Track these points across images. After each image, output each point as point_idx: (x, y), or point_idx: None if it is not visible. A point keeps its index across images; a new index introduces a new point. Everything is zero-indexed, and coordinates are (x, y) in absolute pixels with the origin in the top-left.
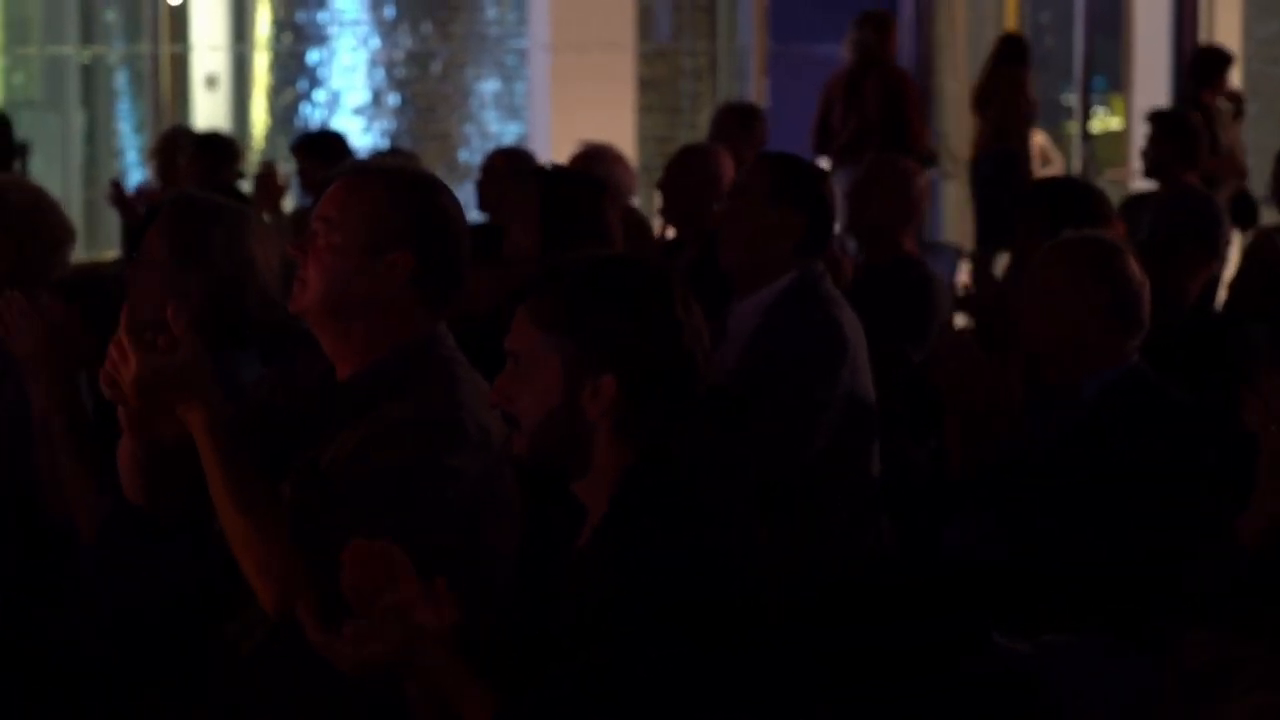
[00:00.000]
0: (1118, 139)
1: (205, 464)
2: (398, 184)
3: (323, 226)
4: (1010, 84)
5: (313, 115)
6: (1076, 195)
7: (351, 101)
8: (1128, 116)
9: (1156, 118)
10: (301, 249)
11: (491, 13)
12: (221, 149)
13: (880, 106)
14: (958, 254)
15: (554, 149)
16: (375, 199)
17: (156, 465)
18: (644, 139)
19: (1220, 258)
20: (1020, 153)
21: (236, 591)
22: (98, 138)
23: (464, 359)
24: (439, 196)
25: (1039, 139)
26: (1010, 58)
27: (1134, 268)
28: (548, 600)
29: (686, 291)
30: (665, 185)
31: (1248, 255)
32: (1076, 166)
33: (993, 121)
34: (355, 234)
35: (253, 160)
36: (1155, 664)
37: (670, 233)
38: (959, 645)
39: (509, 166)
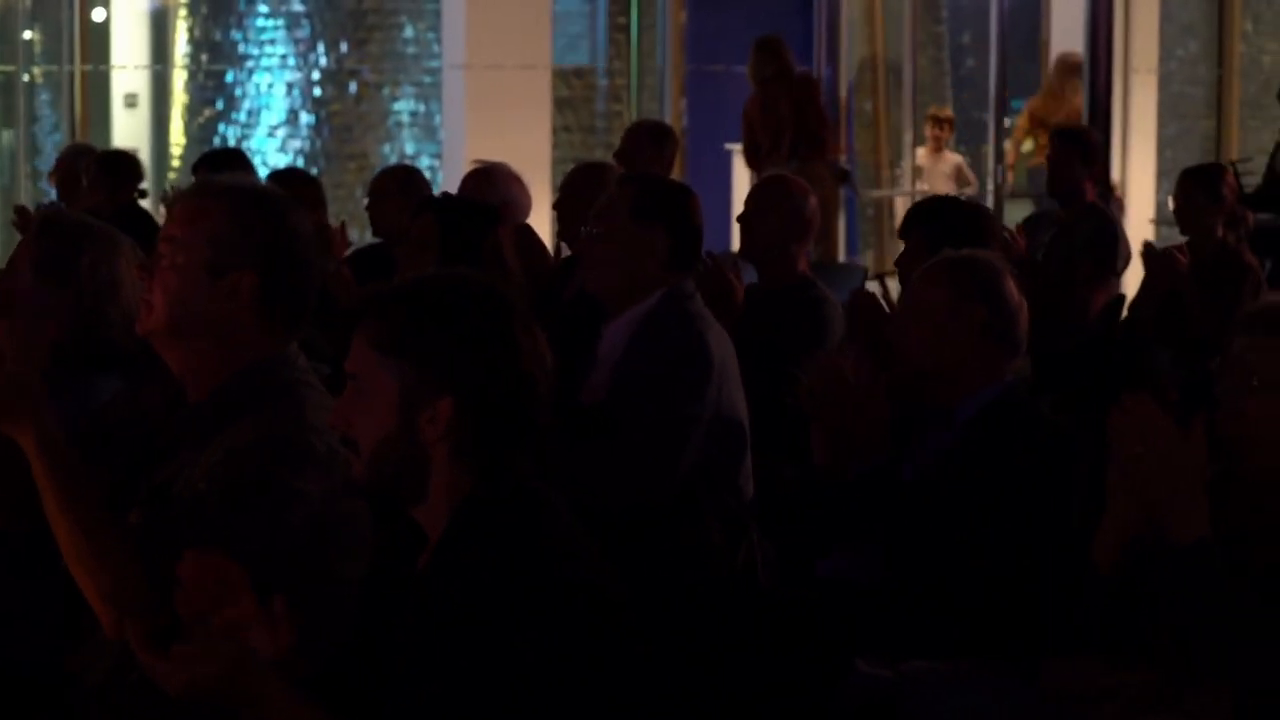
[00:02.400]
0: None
1: (40, 487)
2: (242, 203)
3: (168, 247)
4: None
5: (230, 134)
6: (958, 214)
7: (268, 120)
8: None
9: (1058, 135)
10: (148, 270)
11: (409, 32)
12: (123, 168)
13: (790, 112)
14: (864, 274)
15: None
16: (219, 218)
17: None
18: (560, 160)
19: (1118, 276)
20: None
21: (83, 622)
22: (19, 158)
23: (315, 380)
24: (286, 215)
25: (955, 160)
26: None
27: (1012, 287)
28: (388, 625)
29: (528, 312)
30: (561, 204)
31: (1148, 276)
32: (990, 187)
33: None
34: (198, 253)
35: (171, 179)
36: (1021, 690)
37: (566, 251)
38: (822, 671)
39: (399, 188)
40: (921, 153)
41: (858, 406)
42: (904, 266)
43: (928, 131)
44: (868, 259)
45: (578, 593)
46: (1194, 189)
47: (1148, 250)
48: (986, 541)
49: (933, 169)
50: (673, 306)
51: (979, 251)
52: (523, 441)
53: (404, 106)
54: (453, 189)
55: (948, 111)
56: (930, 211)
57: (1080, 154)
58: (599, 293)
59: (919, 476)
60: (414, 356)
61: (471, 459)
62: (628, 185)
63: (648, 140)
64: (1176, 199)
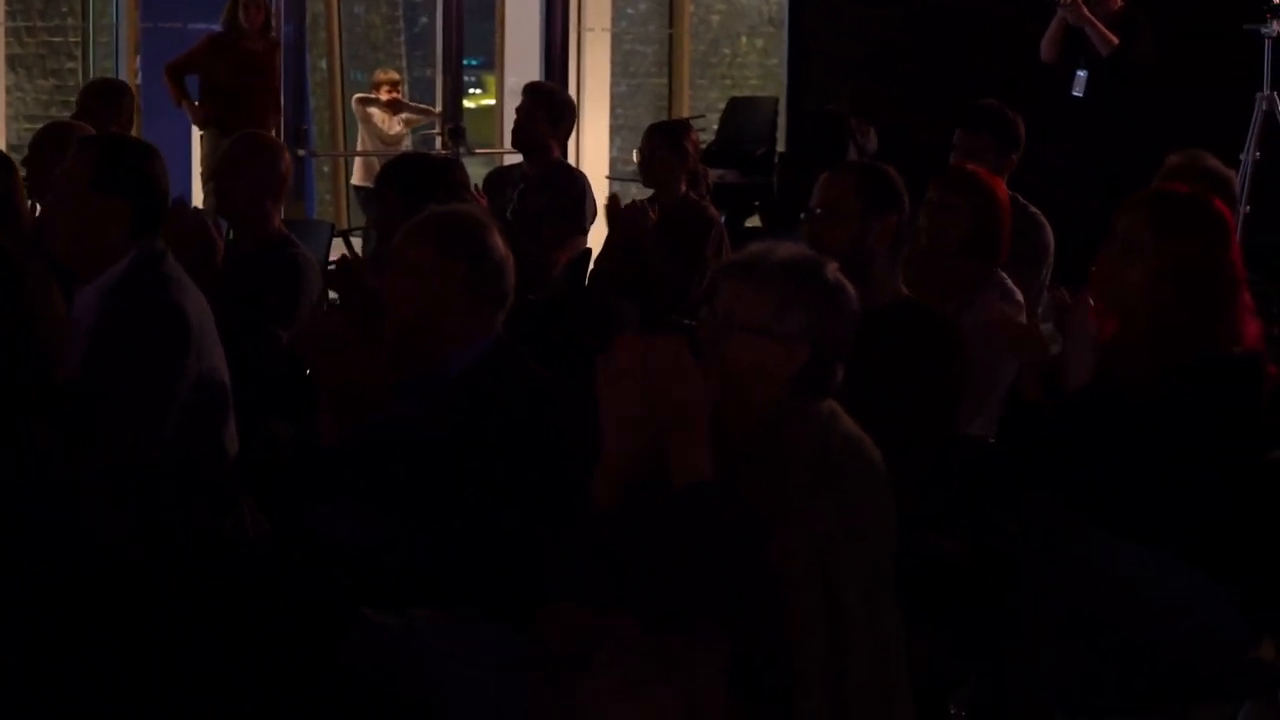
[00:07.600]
0: (490, 116)
1: None
2: None
3: None
4: None
5: None
6: (429, 170)
7: None
8: (499, 95)
9: (526, 91)
10: None
11: None
12: None
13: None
14: (331, 231)
15: None
16: None
17: None
18: (14, 117)
19: (584, 231)
20: None
21: None
22: None
23: None
24: None
25: (405, 117)
26: None
27: (496, 240)
28: None
29: (47, 274)
30: (29, 163)
31: (612, 231)
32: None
33: None
34: None
35: None
36: (520, 636)
37: (39, 210)
38: (327, 625)
39: None
40: (375, 112)
41: (350, 362)
42: (382, 224)
43: (381, 94)
44: (328, 216)
45: (85, 554)
46: (659, 144)
47: (611, 205)
48: (482, 492)
49: (386, 128)
50: (144, 270)
51: (461, 206)
52: (39, 402)
53: None
54: None
55: (393, 74)
56: (403, 168)
57: (545, 110)
58: (64, 260)
59: (414, 431)
60: None
61: None
62: (86, 153)
63: (99, 99)
64: (642, 154)
